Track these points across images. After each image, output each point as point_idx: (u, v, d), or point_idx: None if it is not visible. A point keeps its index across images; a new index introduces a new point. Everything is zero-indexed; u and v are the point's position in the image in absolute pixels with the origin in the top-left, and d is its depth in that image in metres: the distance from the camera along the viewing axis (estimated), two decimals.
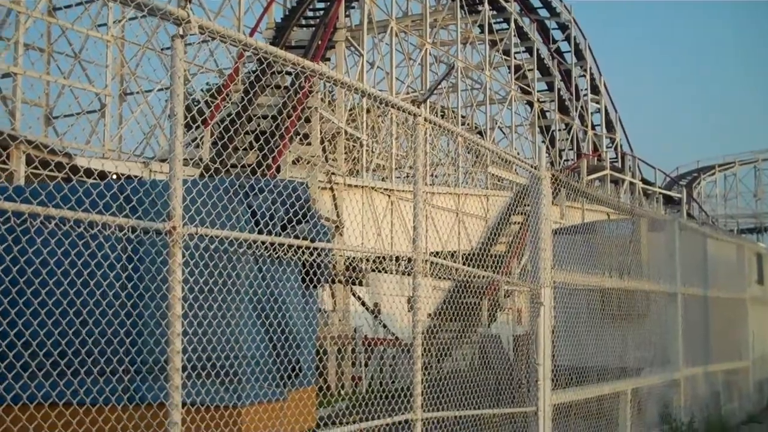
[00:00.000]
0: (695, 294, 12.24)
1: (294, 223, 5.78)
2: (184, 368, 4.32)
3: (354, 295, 19.70)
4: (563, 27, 45.71)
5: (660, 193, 46.73)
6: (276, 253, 5.53)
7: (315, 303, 6.12)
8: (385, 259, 20.75)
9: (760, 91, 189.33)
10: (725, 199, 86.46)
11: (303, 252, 5.55)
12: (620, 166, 44.85)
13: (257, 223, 5.58)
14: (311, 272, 5.83)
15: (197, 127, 20.81)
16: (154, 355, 5.13)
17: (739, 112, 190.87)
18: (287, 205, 5.73)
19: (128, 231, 4.23)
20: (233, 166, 17.99)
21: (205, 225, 4.77)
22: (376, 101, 6.66)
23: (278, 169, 19.06)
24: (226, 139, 19.46)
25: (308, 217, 5.88)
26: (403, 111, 6.76)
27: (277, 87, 23.17)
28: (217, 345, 5.17)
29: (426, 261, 6.79)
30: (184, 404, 4.41)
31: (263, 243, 5.37)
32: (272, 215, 5.61)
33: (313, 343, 6.00)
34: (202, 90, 28.81)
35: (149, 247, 5.27)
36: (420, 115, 6.50)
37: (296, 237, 5.63)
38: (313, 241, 5.60)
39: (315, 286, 5.96)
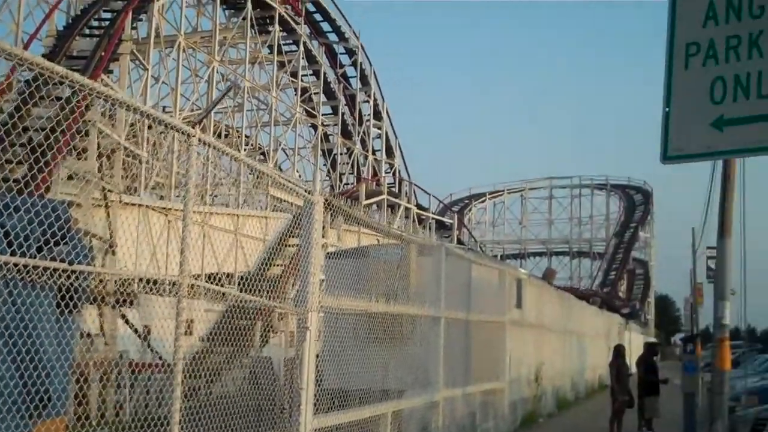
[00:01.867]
0: (458, 318, 12.74)
1: (51, 244, 5.58)
2: None
3: (123, 318, 19.10)
4: (350, 52, 46.68)
5: (433, 218, 48.51)
6: (30, 276, 5.32)
7: (70, 329, 5.92)
8: (157, 281, 20.22)
9: (531, 124, 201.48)
10: (494, 226, 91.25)
11: (60, 275, 5.37)
12: (397, 191, 46.23)
13: (10, 244, 5.35)
14: (68, 296, 5.64)
15: None
16: None
17: (511, 143, 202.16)
18: (45, 226, 5.53)
19: None
20: (3, 180, 17.00)
21: None
22: (148, 119, 6.57)
23: (48, 187, 18.21)
24: None
25: (68, 239, 5.70)
26: (177, 130, 6.69)
27: (58, 99, 22.22)
28: None
29: (192, 285, 6.74)
30: None
31: (16, 265, 5.15)
32: (27, 236, 5.40)
33: (66, 371, 5.80)
34: None
35: None
36: (194, 136, 6.46)
37: (53, 259, 5.45)
38: (71, 263, 5.43)
39: (70, 311, 5.76)
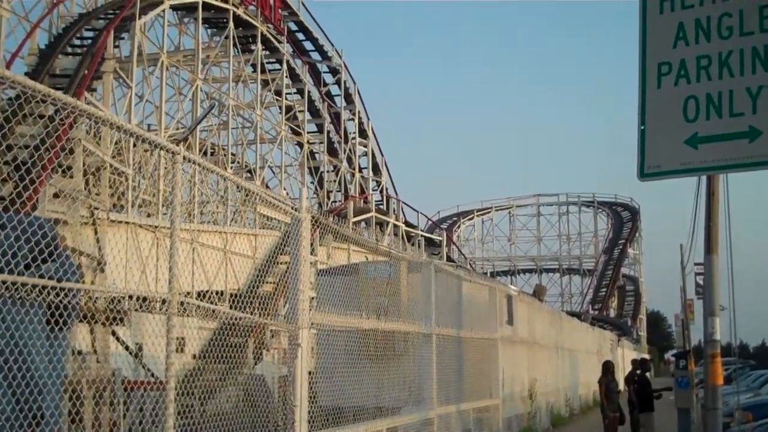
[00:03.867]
0: (450, 334, 12.71)
1: (39, 262, 5.50)
2: None
3: (114, 335, 18.92)
4: (334, 71, 46.70)
5: (422, 235, 48.43)
6: (18, 293, 5.23)
7: (60, 346, 5.83)
8: (148, 299, 20.08)
9: (515, 140, 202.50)
10: (483, 243, 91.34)
11: (48, 292, 5.29)
12: (385, 208, 46.13)
13: None
14: (57, 313, 5.55)
15: None
16: None
17: (497, 161, 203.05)
18: (32, 243, 5.45)
19: None
20: None
21: None
22: (131, 137, 6.51)
23: (34, 205, 18.06)
24: None
25: (55, 256, 5.62)
26: (162, 149, 6.63)
27: (41, 117, 22.07)
28: None
29: (182, 302, 6.65)
30: None
31: (4, 283, 5.06)
32: (15, 253, 5.31)
33: (58, 389, 5.70)
34: None
35: None
36: (179, 153, 6.40)
37: (41, 276, 5.36)
38: (60, 281, 5.35)
39: (60, 329, 5.68)
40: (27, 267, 5.46)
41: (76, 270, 5.90)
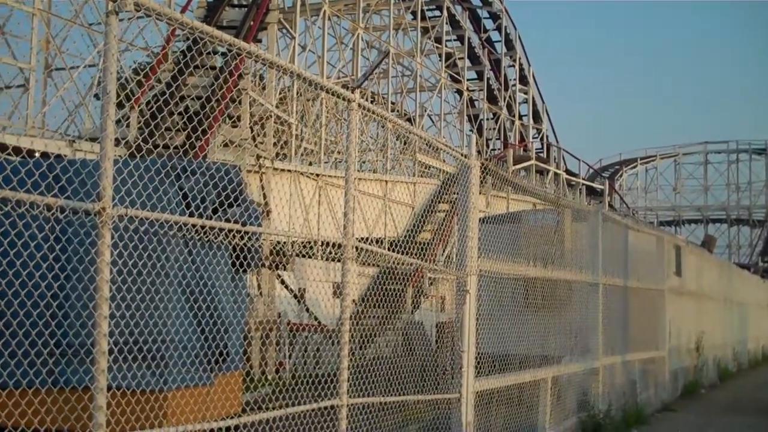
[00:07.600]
0: (616, 284, 12.49)
1: (225, 206, 5.75)
2: (110, 351, 4.26)
3: (279, 280, 19.63)
4: (495, 16, 46.03)
5: (583, 184, 47.47)
6: (206, 236, 5.49)
7: (244, 287, 6.09)
8: (312, 245, 20.69)
9: (682, 86, 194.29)
10: (646, 192, 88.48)
11: (234, 236, 5.53)
12: (545, 156, 45.41)
13: (188, 206, 5.54)
14: (241, 256, 5.80)
15: (125, 106, 20.39)
16: (80, 338, 5.05)
17: (663, 108, 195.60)
18: (219, 188, 5.70)
19: (56, 211, 4.14)
20: (164, 147, 17.69)
21: (135, 206, 4.70)
22: (310, 85, 6.62)
23: (205, 154, 18.81)
24: (158, 119, 19.08)
25: (240, 201, 5.86)
26: (337, 96, 6.73)
27: (212, 68, 22.84)
28: (145, 328, 5.11)
29: (355, 247, 6.80)
30: (109, 388, 4.35)
31: (194, 226, 5.31)
32: (203, 198, 5.58)
33: (242, 328, 5.97)
34: (130, 67, 28.22)
35: (77, 228, 5.17)
36: (354, 101, 6.49)
37: (227, 220, 5.60)
38: (244, 225, 5.57)
39: (245, 271, 5.93)
40: (215, 211, 5.72)
41: (258, 215, 6.13)
